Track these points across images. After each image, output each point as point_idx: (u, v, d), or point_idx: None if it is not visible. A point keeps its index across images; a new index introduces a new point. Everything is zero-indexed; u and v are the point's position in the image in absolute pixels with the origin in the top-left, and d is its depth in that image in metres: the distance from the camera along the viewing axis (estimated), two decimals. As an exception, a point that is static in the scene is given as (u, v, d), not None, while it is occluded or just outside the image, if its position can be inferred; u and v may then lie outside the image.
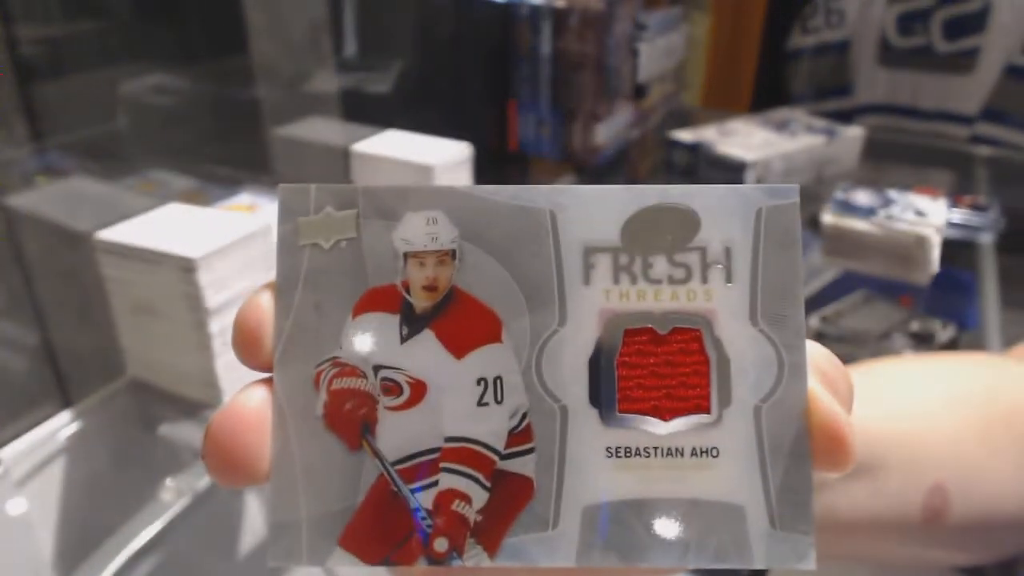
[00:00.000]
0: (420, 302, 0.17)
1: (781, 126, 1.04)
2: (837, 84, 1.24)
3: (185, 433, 0.56)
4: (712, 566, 0.16)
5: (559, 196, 0.17)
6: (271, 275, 0.17)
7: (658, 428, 0.17)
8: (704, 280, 0.17)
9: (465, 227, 0.17)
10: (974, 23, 1.11)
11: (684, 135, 1.01)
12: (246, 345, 0.17)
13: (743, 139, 0.99)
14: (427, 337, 0.17)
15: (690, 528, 0.16)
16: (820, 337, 0.69)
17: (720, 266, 0.17)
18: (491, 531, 0.16)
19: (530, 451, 0.17)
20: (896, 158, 1.11)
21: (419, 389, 0.17)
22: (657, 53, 1.09)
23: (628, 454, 0.17)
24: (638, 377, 0.17)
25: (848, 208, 0.82)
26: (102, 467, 0.60)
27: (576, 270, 0.17)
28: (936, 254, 0.76)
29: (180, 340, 0.52)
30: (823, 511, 0.28)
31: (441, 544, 0.16)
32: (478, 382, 0.17)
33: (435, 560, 0.16)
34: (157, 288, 0.51)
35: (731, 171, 0.95)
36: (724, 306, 0.17)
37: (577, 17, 0.94)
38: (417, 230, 0.17)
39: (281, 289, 0.17)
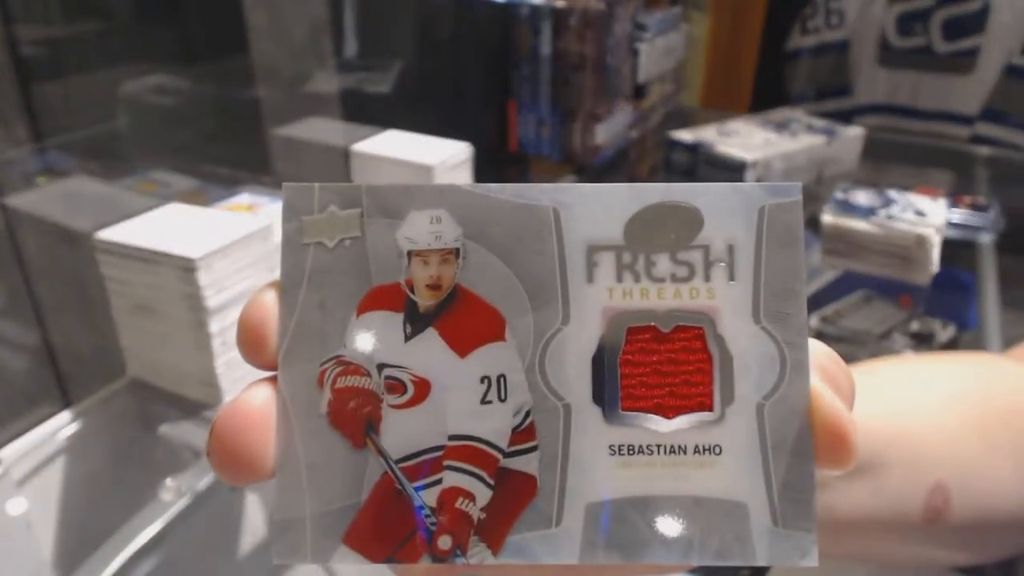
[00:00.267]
0: (424, 300, 0.17)
1: (781, 126, 1.04)
2: (837, 84, 1.24)
3: (185, 433, 0.56)
4: (715, 563, 0.16)
5: (562, 194, 0.17)
6: (271, 275, 0.17)
7: (661, 426, 0.17)
8: (707, 278, 0.17)
9: (469, 226, 0.17)
10: (974, 23, 1.11)
11: (684, 135, 1.01)
12: (250, 343, 0.17)
13: (743, 139, 0.99)
14: (431, 335, 0.17)
15: (693, 525, 0.16)
16: (820, 337, 0.69)
17: (723, 264, 0.17)
18: (495, 529, 0.16)
19: (533, 449, 0.17)
20: (896, 158, 1.11)
21: (423, 387, 0.17)
22: (657, 53, 1.09)
23: (631, 452, 0.17)
24: (641, 375, 0.17)
25: (848, 208, 0.81)
26: (102, 467, 0.60)
27: (579, 268, 0.17)
28: (936, 254, 0.76)
29: (180, 340, 0.52)
30: (823, 510, 0.28)
31: (445, 542, 0.16)
32: (482, 380, 0.17)
33: (439, 558, 0.16)
34: (157, 288, 0.51)
35: (731, 171, 0.94)
36: (727, 304, 0.17)
37: (577, 17, 0.94)
38: (421, 229, 0.17)
39: (285, 288, 0.17)
